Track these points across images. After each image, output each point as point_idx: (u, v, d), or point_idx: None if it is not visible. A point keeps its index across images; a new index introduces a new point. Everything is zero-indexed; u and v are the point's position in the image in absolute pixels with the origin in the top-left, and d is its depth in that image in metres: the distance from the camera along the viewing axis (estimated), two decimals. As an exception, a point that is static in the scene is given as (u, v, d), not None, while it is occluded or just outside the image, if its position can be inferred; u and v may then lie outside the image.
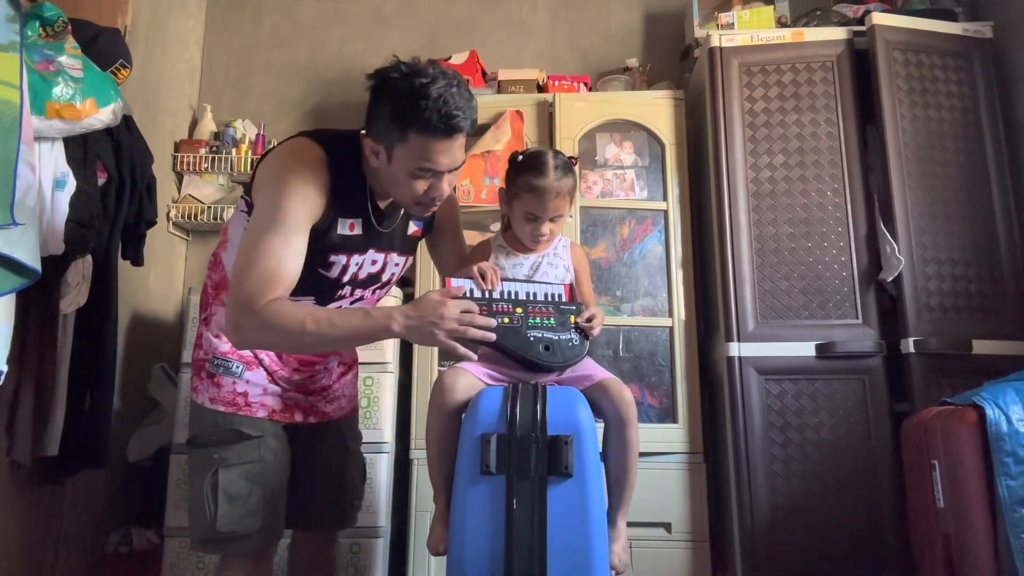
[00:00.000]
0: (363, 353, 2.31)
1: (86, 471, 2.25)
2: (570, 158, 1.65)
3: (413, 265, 2.19)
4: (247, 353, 1.54)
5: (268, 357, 1.57)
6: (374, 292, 1.65)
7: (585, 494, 1.28)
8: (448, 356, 1.46)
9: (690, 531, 2.39)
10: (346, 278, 1.55)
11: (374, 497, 2.31)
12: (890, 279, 2.31)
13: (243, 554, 1.52)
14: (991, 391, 1.79)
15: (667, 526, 2.40)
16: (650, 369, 2.56)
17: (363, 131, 1.47)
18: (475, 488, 1.29)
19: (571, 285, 1.56)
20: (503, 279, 1.55)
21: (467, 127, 1.39)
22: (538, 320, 1.46)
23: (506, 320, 1.43)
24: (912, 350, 2.24)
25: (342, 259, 1.52)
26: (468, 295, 1.45)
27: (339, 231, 1.49)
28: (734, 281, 2.38)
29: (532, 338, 1.44)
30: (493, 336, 1.31)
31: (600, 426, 1.51)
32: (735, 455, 2.28)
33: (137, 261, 2.45)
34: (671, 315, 2.55)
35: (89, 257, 2.17)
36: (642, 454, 2.42)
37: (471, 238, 2.00)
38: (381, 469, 2.35)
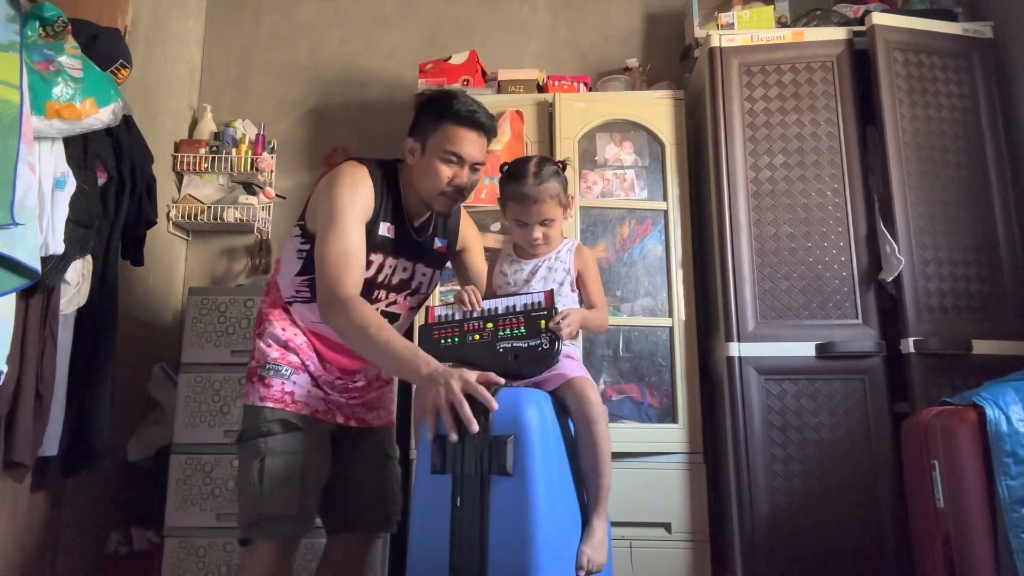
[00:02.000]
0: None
1: (86, 471, 2.25)
2: (559, 162, 1.69)
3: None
4: (294, 359, 1.71)
5: (313, 364, 1.73)
6: (406, 298, 1.82)
7: (527, 492, 1.30)
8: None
9: (690, 531, 2.40)
10: (380, 278, 1.73)
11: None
12: (890, 279, 2.31)
13: (275, 537, 1.60)
14: (991, 391, 1.79)
15: (667, 526, 2.40)
16: (650, 369, 2.57)
17: (406, 139, 1.74)
18: (423, 486, 1.38)
19: (551, 292, 1.57)
20: (496, 294, 1.64)
21: (488, 127, 1.70)
22: (508, 331, 1.52)
23: (476, 337, 1.53)
24: (912, 350, 2.24)
25: (379, 258, 1.71)
26: (446, 318, 1.58)
27: (380, 232, 1.70)
28: (734, 281, 2.38)
29: (501, 350, 1.50)
30: (475, 427, 1.33)
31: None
32: (735, 455, 2.28)
33: (137, 261, 2.45)
34: (671, 315, 2.55)
35: (89, 257, 2.17)
36: (642, 454, 2.46)
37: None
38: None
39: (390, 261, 1.74)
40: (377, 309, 1.73)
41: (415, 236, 1.78)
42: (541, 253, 1.68)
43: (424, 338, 1.57)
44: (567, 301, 1.63)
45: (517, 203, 1.64)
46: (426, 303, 1.96)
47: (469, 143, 1.68)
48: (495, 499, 1.32)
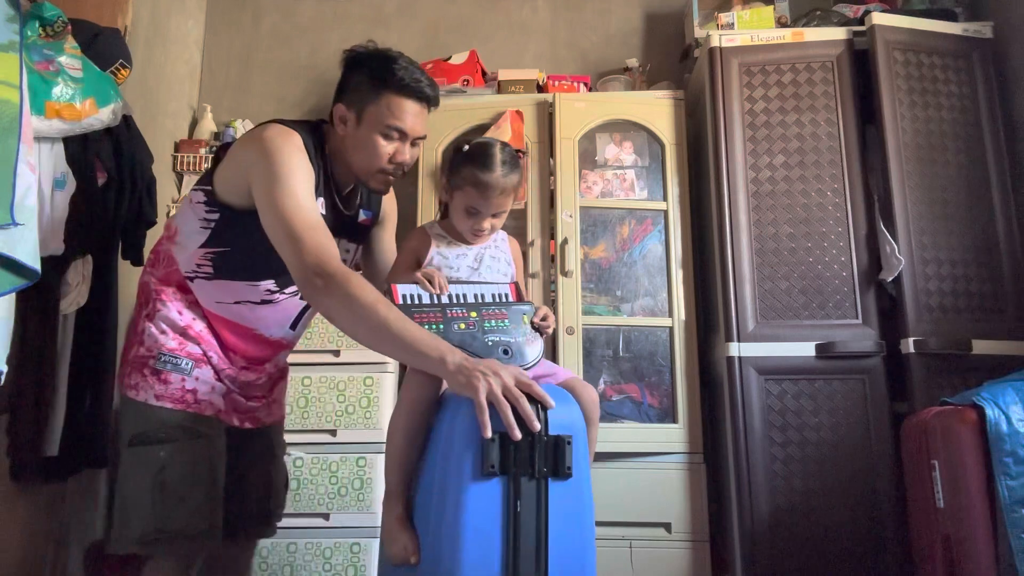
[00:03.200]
0: (364, 353, 2.32)
1: (86, 471, 2.24)
2: (517, 151, 1.61)
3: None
4: (195, 350, 1.52)
5: (216, 355, 1.55)
6: None
7: (582, 495, 1.26)
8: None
9: (690, 531, 2.39)
10: None
11: (373, 497, 2.31)
12: (890, 279, 2.31)
13: (180, 555, 1.48)
14: (991, 391, 1.79)
15: (667, 526, 2.40)
16: (650, 369, 2.56)
17: (335, 104, 1.57)
18: (474, 489, 1.22)
19: (516, 284, 1.51)
20: (448, 279, 1.50)
21: (432, 99, 1.53)
22: (493, 323, 1.41)
23: (462, 326, 1.38)
24: (912, 350, 2.24)
25: None
26: (417, 299, 1.40)
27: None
28: (734, 281, 2.38)
29: (490, 343, 1.38)
30: (538, 425, 1.22)
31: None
32: (735, 455, 2.28)
33: (137, 261, 2.44)
34: (671, 315, 2.55)
35: (89, 257, 2.17)
36: (642, 454, 2.46)
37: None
38: (380, 468, 2.34)
39: None
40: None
41: (343, 209, 1.61)
42: (478, 243, 1.57)
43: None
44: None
45: (477, 191, 1.48)
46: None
47: (413, 116, 1.50)
48: (554, 502, 1.23)
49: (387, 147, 1.51)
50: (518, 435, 1.20)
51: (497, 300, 1.46)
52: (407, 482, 1.38)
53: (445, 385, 1.35)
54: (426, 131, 1.57)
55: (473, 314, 1.40)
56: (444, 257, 1.54)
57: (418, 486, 1.35)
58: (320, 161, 1.54)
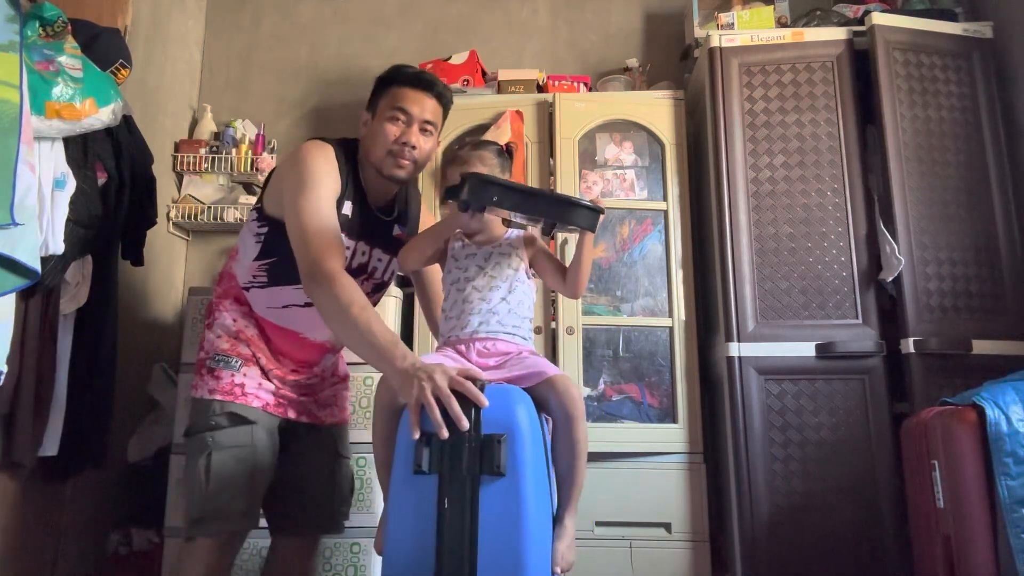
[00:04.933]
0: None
1: (86, 471, 2.25)
2: (507, 148, 1.65)
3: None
4: (245, 350, 1.67)
5: (265, 357, 1.68)
6: (363, 283, 1.75)
7: (519, 494, 1.26)
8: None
9: (690, 531, 2.39)
10: None
11: (373, 497, 2.31)
12: (890, 279, 2.31)
13: (216, 535, 1.56)
14: (991, 391, 1.79)
15: (667, 526, 2.40)
16: (650, 369, 2.57)
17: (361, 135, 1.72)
18: (407, 488, 1.28)
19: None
20: (456, 278, 1.57)
21: (439, 89, 1.68)
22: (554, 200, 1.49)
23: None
24: (912, 350, 2.24)
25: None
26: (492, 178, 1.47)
27: (342, 211, 1.64)
28: (734, 281, 2.39)
29: (556, 198, 1.48)
30: (466, 424, 1.25)
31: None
32: (735, 455, 2.28)
33: (137, 261, 2.45)
34: (671, 315, 2.55)
35: (89, 257, 2.17)
36: (642, 454, 2.46)
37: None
38: (381, 469, 2.34)
39: (349, 243, 1.68)
40: None
41: (374, 218, 1.73)
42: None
43: (481, 179, 1.44)
44: (524, 288, 1.57)
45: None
46: (385, 292, 1.89)
47: (415, 101, 1.65)
48: (484, 501, 1.26)
49: (393, 129, 1.64)
50: (445, 434, 1.24)
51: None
52: None
53: None
54: (436, 119, 1.68)
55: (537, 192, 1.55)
56: (454, 259, 1.60)
57: None
58: (349, 168, 1.68)
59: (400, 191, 1.80)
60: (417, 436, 1.26)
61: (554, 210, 1.45)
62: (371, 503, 2.30)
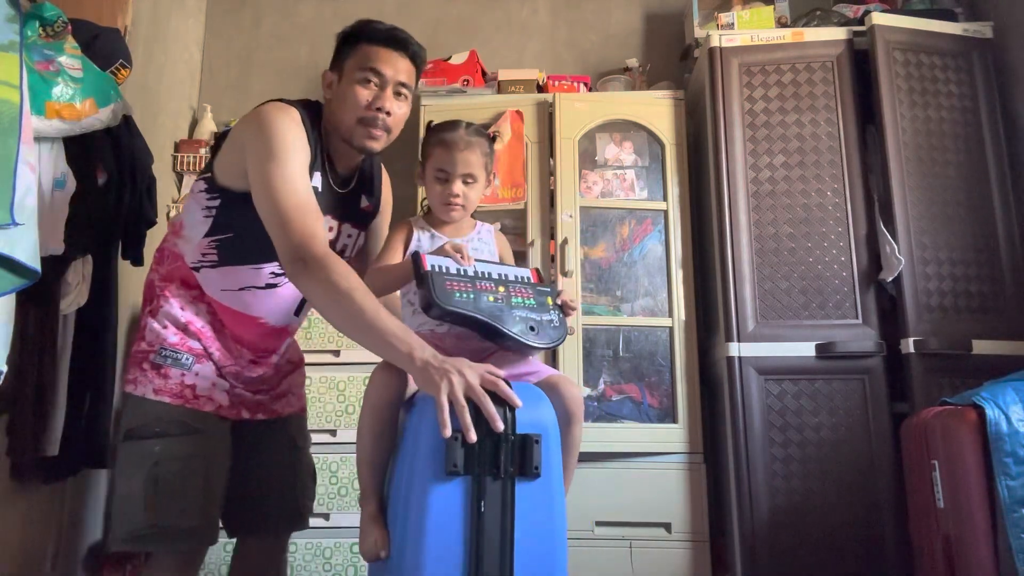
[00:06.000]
0: (364, 354, 2.31)
1: (86, 471, 2.24)
2: (492, 136, 1.59)
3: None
4: (196, 345, 1.51)
5: (219, 352, 1.54)
6: None
7: (551, 496, 1.24)
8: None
9: (690, 531, 2.40)
10: None
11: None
12: (890, 279, 2.31)
13: (175, 553, 1.46)
14: (991, 391, 1.79)
15: (667, 526, 2.40)
16: (650, 369, 2.56)
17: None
18: (438, 489, 1.20)
19: (537, 269, 1.50)
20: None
21: (414, 48, 1.54)
22: (520, 300, 1.39)
23: (492, 298, 1.36)
24: (912, 350, 2.24)
25: None
26: (445, 271, 1.37)
27: (312, 183, 1.48)
28: (734, 281, 2.39)
29: (517, 318, 1.36)
30: (501, 426, 1.19)
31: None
32: (735, 455, 2.28)
33: (137, 261, 2.44)
34: (671, 315, 2.55)
35: (89, 257, 2.17)
36: (642, 454, 2.46)
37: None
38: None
39: None
40: None
41: (340, 190, 1.58)
42: (456, 217, 1.54)
43: (437, 285, 1.33)
44: None
45: (443, 149, 1.48)
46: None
47: (388, 61, 1.49)
48: (521, 502, 1.21)
49: (364, 93, 1.49)
50: (473, 437, 1.17)
51: (517, 279, 1.44)
52: (379, 480, 1.37)
53: (412, 386, 1.34)
54: (410, 80, 1.54)
55: (501, 289, 1.39)
56: (423, 248, 1.50)
57: (390, 484, 1.34)
58: (316, 135, 1.52)
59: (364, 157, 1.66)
60: (448, 434, 1.17)
61: (501, 343, 1.39)
62: (371, 503, 2.30)
